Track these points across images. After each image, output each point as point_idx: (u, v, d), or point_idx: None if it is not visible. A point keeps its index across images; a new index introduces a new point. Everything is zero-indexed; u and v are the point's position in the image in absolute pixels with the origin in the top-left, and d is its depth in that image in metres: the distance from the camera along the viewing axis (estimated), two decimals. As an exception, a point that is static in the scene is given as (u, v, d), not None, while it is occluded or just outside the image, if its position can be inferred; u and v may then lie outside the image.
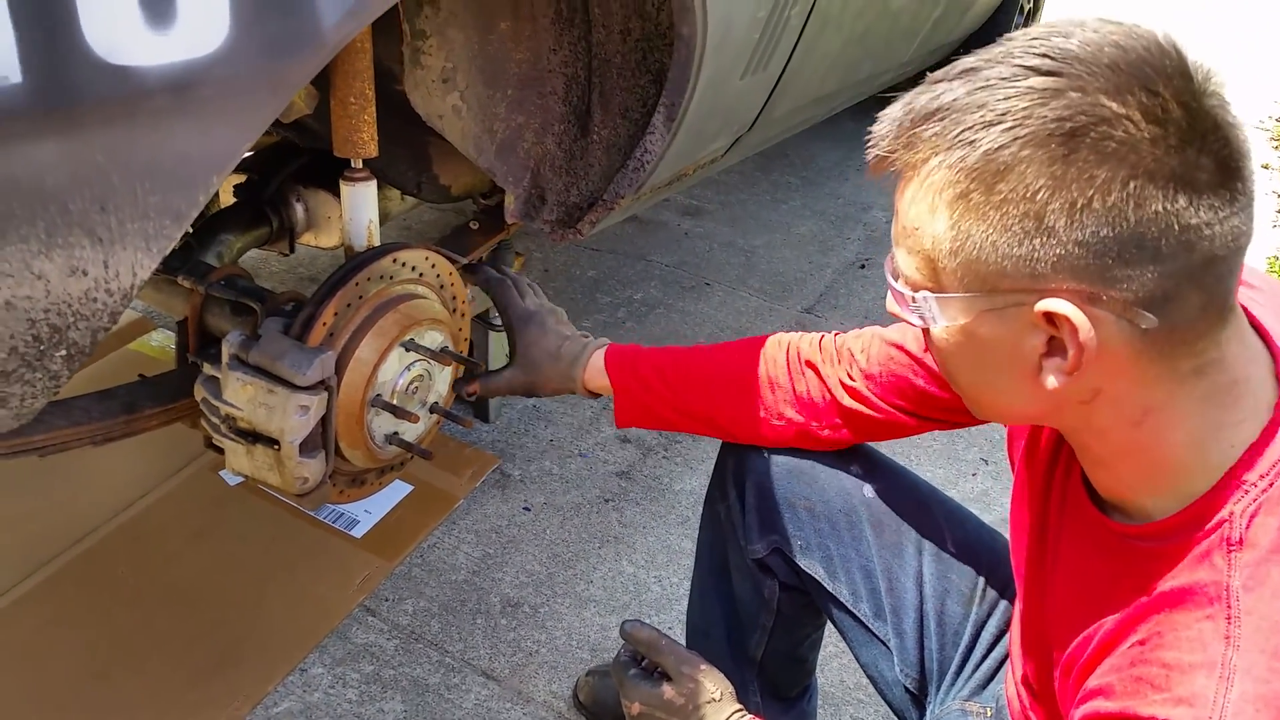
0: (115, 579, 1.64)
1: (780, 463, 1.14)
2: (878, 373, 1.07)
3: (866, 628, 1.12)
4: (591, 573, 1.78)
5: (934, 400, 1.05)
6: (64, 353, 0.80)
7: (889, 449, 1.22)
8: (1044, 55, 0.64)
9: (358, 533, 1.80)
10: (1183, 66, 0.63)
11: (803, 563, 1.14)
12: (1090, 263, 0.63)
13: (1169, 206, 0.61)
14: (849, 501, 1.12)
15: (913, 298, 0.71)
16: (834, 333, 1.15)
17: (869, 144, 0.71)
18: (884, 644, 1.12)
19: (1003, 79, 0.64)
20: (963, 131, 0.65)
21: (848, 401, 1.09)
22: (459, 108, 1.47)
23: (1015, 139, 0.63)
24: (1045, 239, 0.63)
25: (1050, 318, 0.65)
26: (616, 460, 2.06)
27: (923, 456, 2.13)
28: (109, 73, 0.67)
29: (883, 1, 2.12)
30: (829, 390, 1.11)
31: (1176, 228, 0.61)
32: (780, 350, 1.14)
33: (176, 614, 1.60)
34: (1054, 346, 0.66)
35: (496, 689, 1.55)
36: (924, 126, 0.67)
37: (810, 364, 1.12)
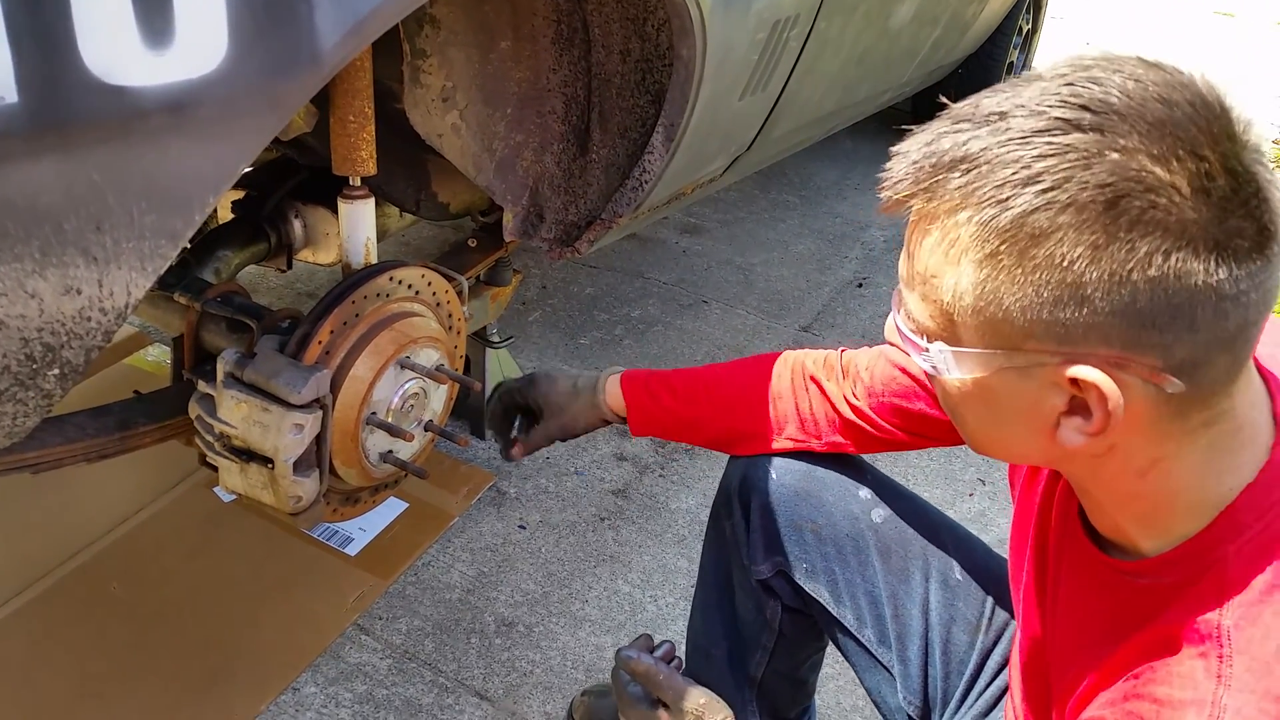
0: (108, 595, 1.63)
1: (787, 484, 1.14)
2: (881, 391, 1.07)
3: (870, 654, 1.12)
4: (587, 592, 1.77)
5: (932, 423, 1.06)
6: (57, 371, 0.80)
7: (889, 469, 1.22)
8: (1083, 108, 0.60)
9: (352, 550, 1.79)
10: (1228, 126, 0.60)
11: (807, 586, 1.14)
12: (1124, 331, 0.61)
13: (1210, 280, 0.59)
14: (856, 526, 1.12)
15: (926, 347, 0.69)
16: (841, 349, 1.16)
17: (884, 183, 0.67)
18: (888, 670, 1.11)
19: (1037, 132, 0.60)
20: (994, 188, 0.61)
21: (850, 417, 1.10)
22: (458, 126, 1.47)
23: (1052, 203, 0.59)
24: (1079, 308, 0.61)
25: (1076, 382, 0.63)
26: (612, 479, 2.05)
27: (919, 477, 2.13)
28: (106, 93, 0.67)
29: (881, 23, 2.13)
30: (832, 406, 1.11)
31: (1215, 298, 0.59)
32: (786, 366, 1.16)
33: (169, 631, 1.59)
34: (1075, 406, 0.65)
35: (490, 709, 1.54)
36: (948, 175, 0.63)
37: (815, 380, 1.13)
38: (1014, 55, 3.87)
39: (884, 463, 1.26)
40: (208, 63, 0.73)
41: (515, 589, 1.76)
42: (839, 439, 1.13)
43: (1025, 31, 3.99)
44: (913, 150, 0.66)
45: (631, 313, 2.65)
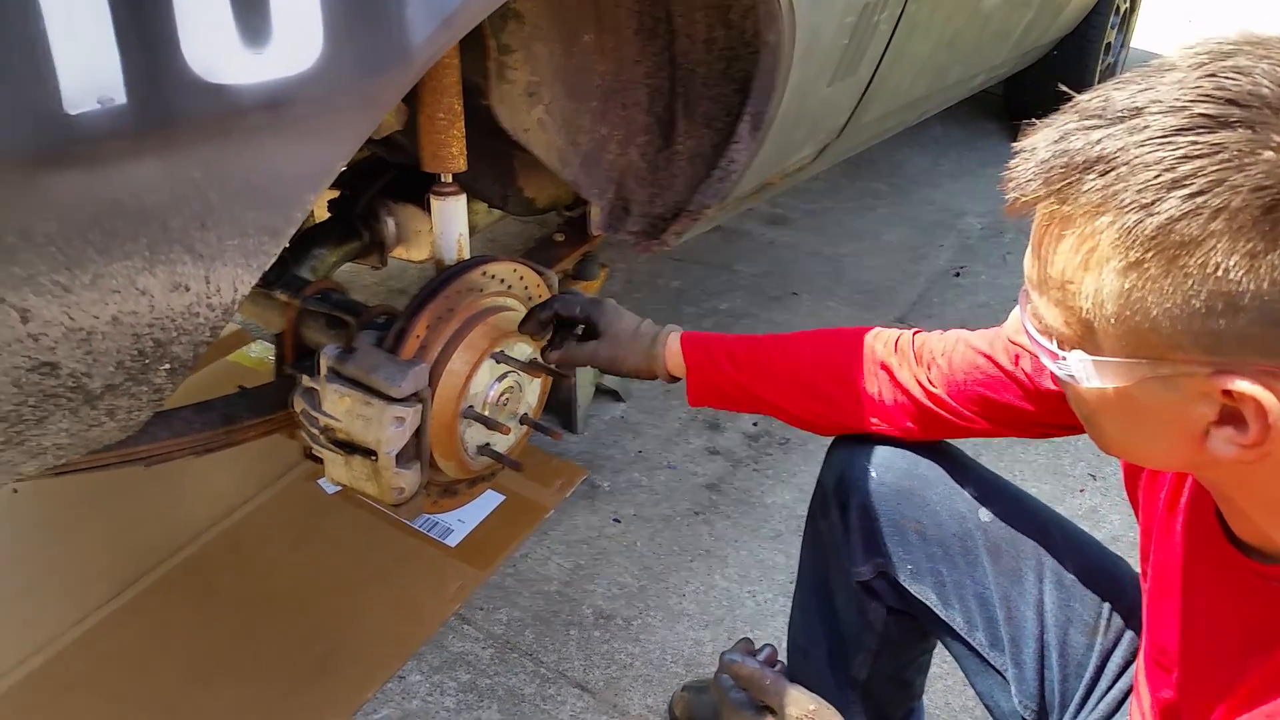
0: (217, 586, 1.70)
1: (888, 483, 1.10)
2: (961, 380, 1.03)
3: (982, 657, 1.08)
4: (684, 586, 1.77)
5: (1019, 414, 1.01)
6: (168, 366, 0.83)
7: (994, 465, 1.18)
8: (1230, 102, 0.56)
9: (451, 541, 1.82)
10: None
11: (912, 588, 1.10)
12: None
13: None
14: (963, 525, 1.07)
15: (1062, 355, 0.66)
16: (913, 331, 1.12)
17: (1010, 182, 0.64)
18: (1000, 674, 1.07)
19: (1178, 130, 0.56)
20: (1135, 192, 0.57)
21: (925, 403, 1.06)
22: (544, 121, 1.48)
23: (1202, 209, 0.55)
24: (1233, 318, 0.57)
25: (1229, 393, 0.59)
26: (705, 472, 2.05)
27: (1026, 471, 2.06)
28: (207, 91, 0.69)
29: (973, 5, 2.07)
30: (903, 391, 1.07)
31: None
32: (854, 347, 1.11)
33: (276, 621, 1.64)
34: (1226, 416, 0.61)
35: (591, 701, 1.55)
36: (1083, 177, 0.59)
37: (885, 366, 1.09)
38: (1111, 35, 3.72)
39: (989, 458, 1.21)
40: (303, 61, 0.75)
41: (612, 582, 1.77)
42: (910, 425, 1.09)
43: (1123, 10, 3.83)
44: (1040, 148, 0.62)
45: (719, 305, 2.64)
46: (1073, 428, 0.89)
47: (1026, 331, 0.70)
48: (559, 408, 2.12)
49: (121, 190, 0.68)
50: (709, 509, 1.95)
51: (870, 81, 1.72)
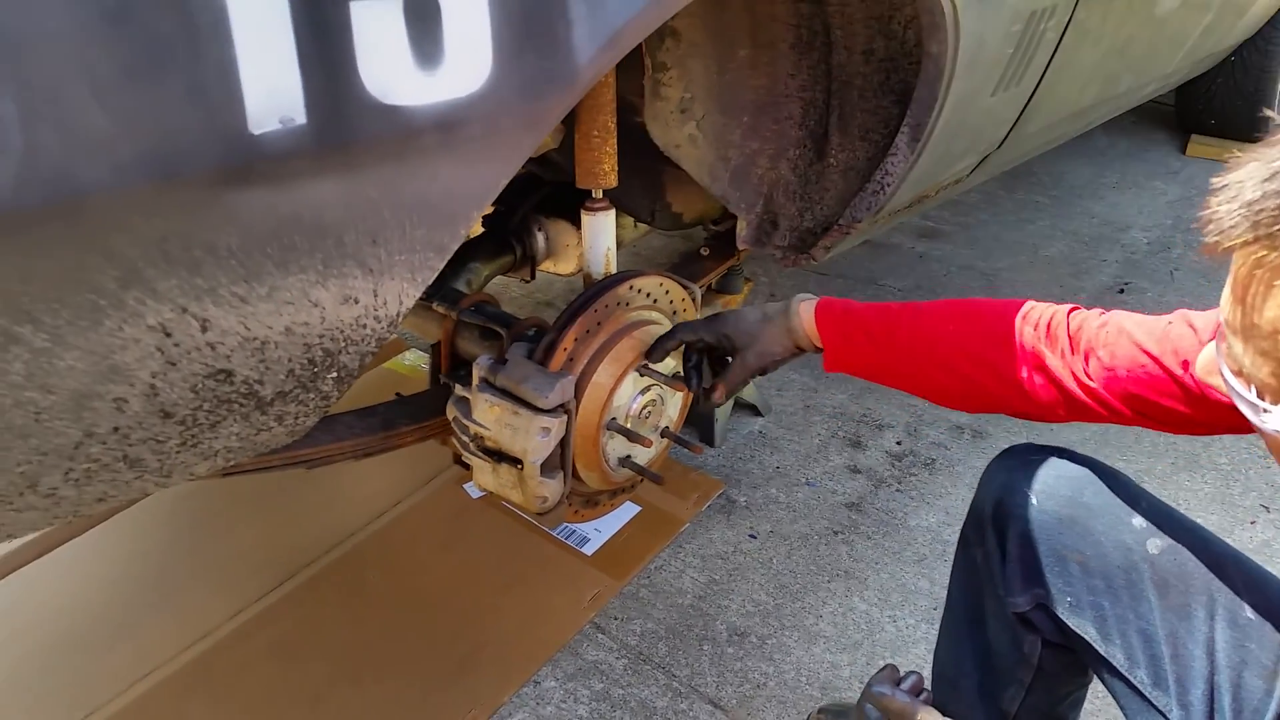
0: (366, 584, 1.76)
1: (1049, 511, 1.05)
2: (1125, 376, 0.96)
3: (1143, 696, 1.01)
4: (820, 607, 1.73)
5: (1176, 415, 0.95)
6: (335, 375, 0.86)
7: (1157, 494, 1.10)
8: None
9: (588, 550, 1.83)
10: None
11: (1072, 622, 1.04)
12: None
13: None
14: (1129, 557, 1.01)
15: (1267, 409, 0.63)
16: (1068, 310, 1.04)
17: (1210, 224, 0.60)
18: (1164, 716, 1.00)
19: None
20: None
21: (1077, 393, 1.00)
22: (694, 136, 1.48)
23: None
24: None
25: None
26: (846, 491, 2.00)
27: (1192, 500, 1.93)
28: (382, 113, 0.71)
29: (1146, 10, 1.96)
30: (1055, 381, 1.01)
31: None
32: (1001, 329, 1.05)
33: (420, 620, 1.69)
34: None
35: (724, 719, 1.53)
36: None
37: (1035, 353, 1.03)
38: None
39: (1151, 485, 1.14)
40: (473, 82, 0.76)
41: (747, 599, 1.75)
42: (1059, 413, 1.03)
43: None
44: (1246, 188, 0.58)
45: (865, 320, 2.57)
46: (1232, 429, 0.83)
47: (1222, 375, 0.64)
48: (698, 421, 2.11)
49: (300, 207, 0.71)
50: (849, 529, 1.90)
51: (1035, 91, 1.65)
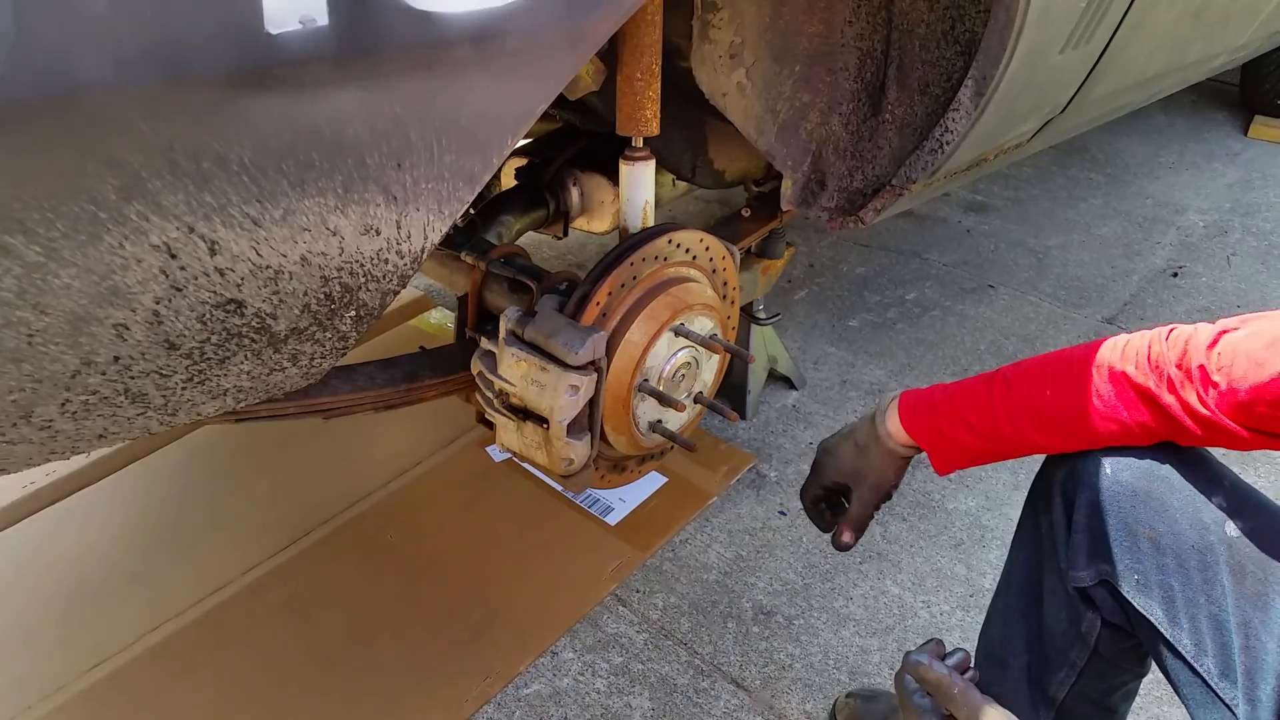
0: (384, 544, 1.71)
1: (1124, 482, 0.97)
2: (1246, 400, 0.87)
3: (1209, 686, 0.94)
4: (851, 589, 1.66)
5: None
6: (354, 313, 0.79)
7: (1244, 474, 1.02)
8: None
9: (612, 520, 1.77)
10: None
11: (1138, 601, 0.97)
12: None
13: None
14: (1205, 538, 0.94)
15: None
16: (1168, 330, 0.96)
17: None
18: (1229, 708, 0.93)
19: None
20: None
21: (1194, 428, 0.91)
22: (743, 85, 1.40)
23: None
24: None
25: None
26: (882, 469, 1.92)
27: None
28: (413, 18, 0.64)
29: (1225, -29, 1.85)
30: (1171, 418, 0.93)
31: None
32: (1103, 376, 0.97)
33: (437, 582, 1.64)
34: None
35: (747, 699, 1.47)
36: None
37: (1145, 392, 0.94)
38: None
39: (1247, 465, 1.05)
40: (513, -10, 0.69)
41: (774, 577, 1.68)
42: (1171, 440, 0.96)
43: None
44: None
45: (906, 295, 2.49)
46: None
47: None
48: (730, 391, 2.04)
49: (319, 120, 0.64)
50: (883, 510, 1.81)
51: (1104, 52, 1.55)
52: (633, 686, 1.49)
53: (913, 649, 0.93)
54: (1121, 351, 0.97)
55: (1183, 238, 2.80)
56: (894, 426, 1.09)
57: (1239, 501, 0.95)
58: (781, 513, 1.82)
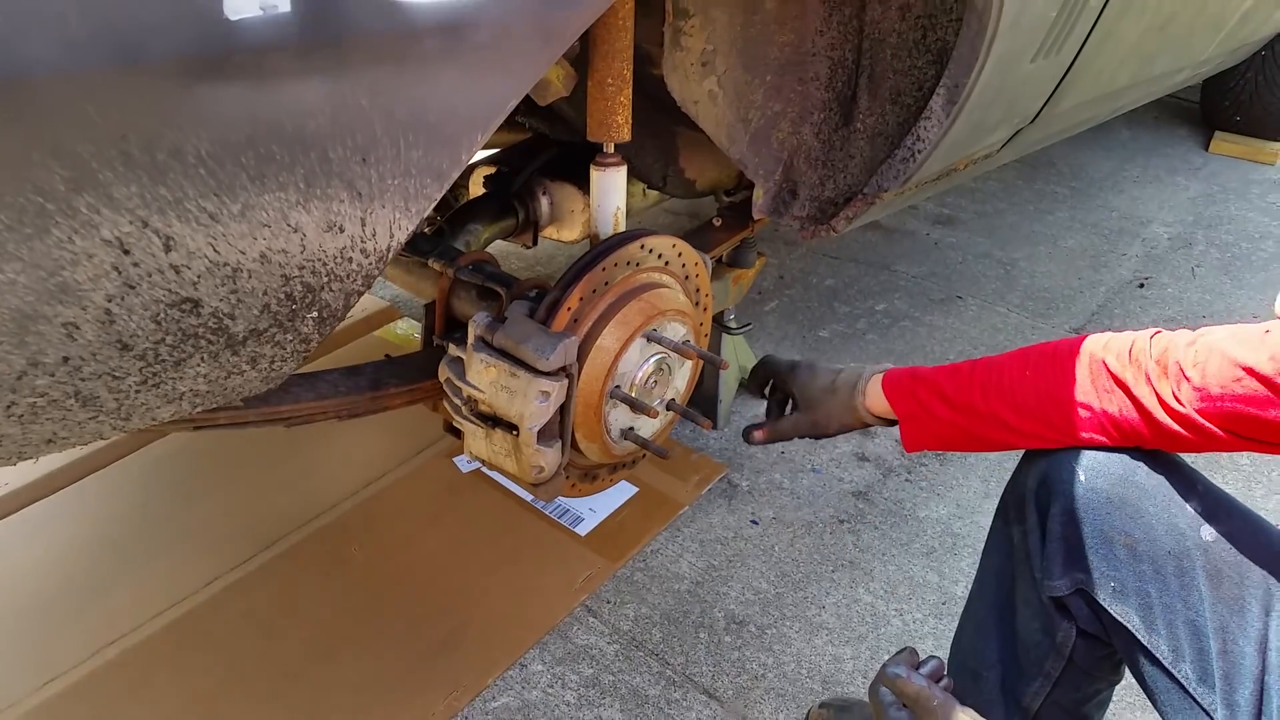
0: (348, 557, 1.67)
1: (1099, 489, 0.97)
2: (1218, 395, 0.88)
3: (1187, 692, 0.94)
4: (824, 598, 1.65)
5: (1276, 430, 0.86)
6: (316, 314, 0.77)
7: (1219, 480, 1.02)
8: None
9: (582, 530, 1.75)
10: None
11: (1114, 609, 0.97)
12: None
13: None
14: (1181, 543, 0.94)
15: None
16: (1153, 332, 0.96)
17: None
18: (1207, 714, 0.93)
19: None
20: None
21: (1170, 426, 0.91)
22: (715, 93, 1.39)
23: None
24: None
25: None
26: (853, 479, 1.92)
27: (1257, 489, 1.85)
28: (379, 7, 0.63)
29: (1189, -15, 1.88)
30: (1147, 415, 0.93)
31: None
32: (1084, 365, 0.98)
33: (403, 596, 1.60)
34: None
35: (719, 710, 1.45)
36: None
37: (1121, 384, 0.95)
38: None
39: (1210, 472, 1.05)
40: (483, -20, 0.67)
41: (746, 586, 1.67)
42: (1148, 441, 0.96)
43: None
44: None
45: (876, 306, 2.49)
46: None
47: None
48: (701, 400, 2.03)
49: (280, 111, 0.62)
50: (855, 518, 1.82)
51: (1074, 62, 1.56)
52: (603, 698, 1.46)
53: (889, 659, 0.92)
54: (1105, 344, 0.98)
55: (1148, 249, 2.83)
56: (872, 391, 1.12)
57: (1213, 506, 0.95)
58: (754, 522, 1.80)
